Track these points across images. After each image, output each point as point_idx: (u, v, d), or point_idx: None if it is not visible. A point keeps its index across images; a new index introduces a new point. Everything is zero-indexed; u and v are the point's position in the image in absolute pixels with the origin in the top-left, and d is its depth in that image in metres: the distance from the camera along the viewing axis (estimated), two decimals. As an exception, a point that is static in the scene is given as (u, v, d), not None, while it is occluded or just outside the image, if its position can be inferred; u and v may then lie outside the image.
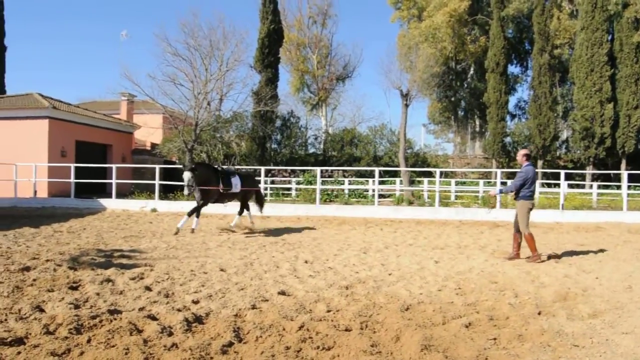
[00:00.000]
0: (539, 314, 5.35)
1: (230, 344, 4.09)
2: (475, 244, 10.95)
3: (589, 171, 31.03)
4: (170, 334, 4.29)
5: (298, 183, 24.71)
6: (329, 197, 21.24)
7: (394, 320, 4.88)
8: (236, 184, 12.26)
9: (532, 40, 35.37)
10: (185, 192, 11.49)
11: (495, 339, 4.50)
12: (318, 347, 4.10)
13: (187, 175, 11.19)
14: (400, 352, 4.08)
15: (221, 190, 11.89)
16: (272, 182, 27.15)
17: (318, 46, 43.26)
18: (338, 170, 30.93)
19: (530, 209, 8.97)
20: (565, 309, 5.53)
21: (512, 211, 16.62)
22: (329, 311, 5.22)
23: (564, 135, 40.05)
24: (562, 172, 18.75)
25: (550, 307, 5.61)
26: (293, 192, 24.43)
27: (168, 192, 21.94)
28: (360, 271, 7.50)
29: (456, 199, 22.56)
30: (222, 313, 4.97)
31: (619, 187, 22.40)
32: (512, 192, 9.20)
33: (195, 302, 5.38)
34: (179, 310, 5.00)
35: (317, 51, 43.09)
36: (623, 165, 32.56)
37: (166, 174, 25.35)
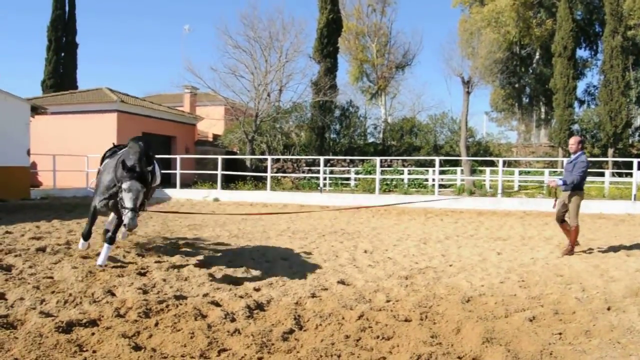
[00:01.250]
0: (608, 309, 5.14)
1: (291, 331, 4.17)
2: (540, 236, 10.62)
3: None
4: (233, 320, 4.42)
5: (357, 173, 24.70)
6: (388, 187, 21.13)
7: (455, 312, 4.83)
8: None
9: (603, 22, 33.60)
10: None
11: (560, 333, 4.37)
12: (377, 337, 4.11)
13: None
14: (461, 344, 4.04)
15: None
16: (331, 172, 27.28)
17: (377, 34, 42.86)
18: (397, 159, 30.67)
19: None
20: (637, 305, 5.28)
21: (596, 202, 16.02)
22: (388, 301, 5.22)
23: (638, 121, 37.93)
24: (635, 161, 17.78)
25: (621, 303, 5.37)
26: (352, 182, 24.46)
27: (230, 182, 22.49)
28: (420, 262, 7.45)
29: (520, 189, 21.91)
30: (282, 301, 5.07)
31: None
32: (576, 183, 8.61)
33: (257, 290, 5.52)
34: (241, 297, 5.14)
35: (376, 40, 42.71)
36: (703, 153, 30.62)
37: (228, 165, 25.99)
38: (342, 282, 5.99)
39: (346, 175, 25.94)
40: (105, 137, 23.08)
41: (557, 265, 7.37)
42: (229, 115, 31.10)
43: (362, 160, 26.69)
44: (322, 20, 31.34)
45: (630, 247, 9.01)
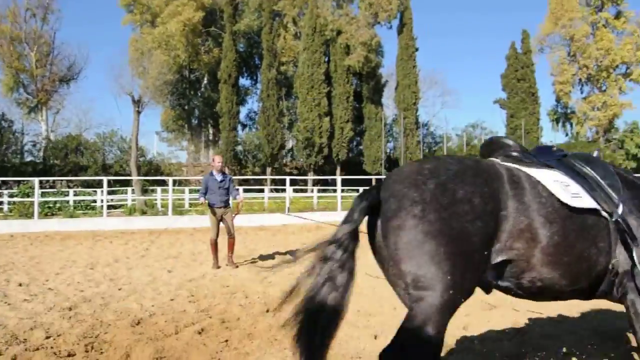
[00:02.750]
0: (267, 311, 5.70)
1: None
2: (208, 250, 11.12)
3: (311, 177, 34.36)
4: None
5: (11, 196, 21.72)
6: (50, 210, 19.16)
7: (124, 337, 4.65)
8: None
9: (262, 56, 37.74)
10: None
11: (227, 340, 4.64)
12: (34, 380, 3.66)
13: None
14: (130, 369, 3.92)
15: None
16: (-23, 196, 23.28)
17: (37, 42, 38.68)
18: (61, 180, 28.17)
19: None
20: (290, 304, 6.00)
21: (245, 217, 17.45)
22: (48, 337, 4.70)
23: (289, 144, 43.56)
24: (288, 179, 20.38)
25: (277, 304, 6.01)
26: (5, 207, 21.38)
27: None
28: (86, 289, 6.95)
29: (190, 207, 22.63)
30: None
31: (334, 191, 25.27)
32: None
33: None
34: None
35: (36, 48, 38.51)
36: (338, 171, 36.92)
37: None
38: (-12, 323, 5.15)
39: (-2, 199, 22.54)
40: None
41: (224, 276, 7.85)
42: None
43: (19, 182, 23.60)
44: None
45: (285, 253, 10.22)
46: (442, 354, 4.14)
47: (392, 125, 45.11)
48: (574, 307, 5.41)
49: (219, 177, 9.06)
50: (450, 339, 4.45)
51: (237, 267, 8.85)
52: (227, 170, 9.20)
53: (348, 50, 37.01)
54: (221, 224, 9.06)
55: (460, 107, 75.73)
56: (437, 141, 50.00)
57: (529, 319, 5.01)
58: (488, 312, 5.29)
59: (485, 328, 4.77)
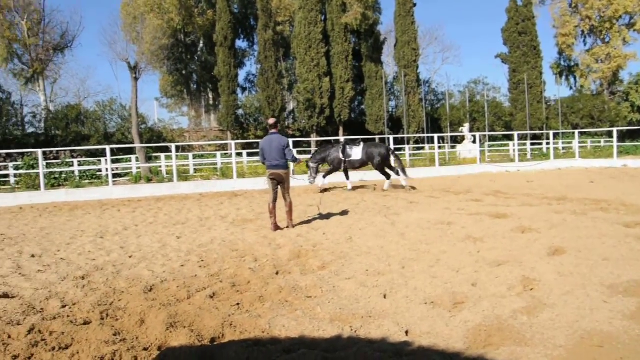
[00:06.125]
0: (277, 273, 5.78)
1: (-61, 367, 3.47)
2: (216, 215, 11.23)
3: (314, 138, 34.26)
4: None
5: (17, 168, 21.79)
6: (56, 182, 19.27)
7: (138, 304, 4.74)
8: None
9: (257, 17, 37.03)
10: None
11: (238, 304, 4.72)
12: (54, 348, 3.75)
13: None
14: (146, 335, 4.00)
15: None
16: (-18, 170, 23.38)
17: (27, 10, 38.05)
18: (65, 150, 28.18)
19: (270, 179, 9.07)
20: (299, 266, 6.09)
21: (249, 180, 17.48)
22: (64, 306, 4.79)
23: (291, 106, 43.26)
24: (291, 141, 20.30)
25: (287, 266, 6.10)
26: (12, 179, 21.48)
27: None
28: (97, 258, 7.04)
29: (195, 172, 22.69)
30: None
31: (337, 151, 25.14)
32: (263, 163, 9.31)
33: None
34: None
35: (26, 16, 37.92)
36: (340, 132, 36.77)
37: None
38: (5, 295, 5.23)
39: (3, 172, 22.61)
40: None
41: (232, 241, 7.92)
42: None
43: (22, 154, 23.65)
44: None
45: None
46: (450, 310, 4.22)
47: (393, 83, 44.67)
48: (585, 263, 5.48)
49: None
50: (459, 296, 4.53)
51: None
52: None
53: (345, 7, 36.32)
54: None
55: (461, 63, 74.93)
56: (439, 98, 49.56)
57: (537, 273, 5.07)
58: (496, 268, 5.35)
59: (493, 284, 4.83)
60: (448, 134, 36.95)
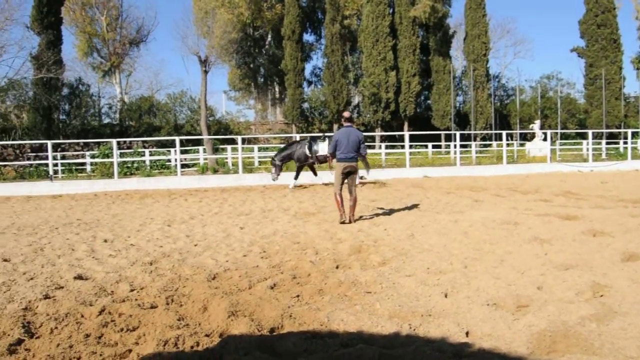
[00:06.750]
0: (337, 267, 5.79)
1: (20, 342, 3.69)
2: (279, 207, 11.38)
3: (378, 133, 34.03)
4: (-60, 342, 3.72)
5: (93, 157, 22.95)
6: (129, 170, 20.14)
7: (201, 291, 4.88)
8: None
9: (325, 10, 37.09)
10: None
11: (298, 296, 4.76)
12: (122, 329, 3.93)
13: None
14: (208, 322, 4.11)
15: None
16: (63, 157, 24.76)
17: (107, 7, 39.98)
18: (137, 141, 29.39)
19: (342, 172, 9.07)
20: (359, 261, 6.07)
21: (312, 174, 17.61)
22: (132, 290, 5.01)
23: (356, 100, 43.13)
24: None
25: (347, 260, 6.10)
26: (88, 167, 22.64)
27: None
28: (164, 245, 7.31)
29: (260, 165, 23.08)
30: (7, 309, 4.46)
31: (403, 147, 24.98)
32: (331, 153, 9.30)
33: (-27, 300, 4.74)
34: (-49, 312, 4.36)
35: (105, 12, 39.82)
36: (405, 127, 36.34)
37: None
38: (79, 277, 5.53)
39: (81, 160, 23.85)
40: None
41: (294, 233, 8.00)
42: None
43: (98, 143, 24.85)
44: (39, -13, 27.91)
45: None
46: (513, 312, 4.08)
47: (462, 78, 43.62)
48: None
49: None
50: (523, 299, 4.37)
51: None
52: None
53: (413, 0, 35.75)
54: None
55: (533, 57, 72.11)
56: (509, 94, 47.93)
57: (609, 279, 4.82)
58: (564, 272, 5.13)
59: (560, 288, 4.63)
60: (517, 131, 35.72)
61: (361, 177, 15.55)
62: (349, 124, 9.19)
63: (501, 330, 3.71)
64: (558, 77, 48.69)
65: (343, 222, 8.80)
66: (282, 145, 18.17)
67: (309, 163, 15.76)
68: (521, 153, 28.39)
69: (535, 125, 32.87)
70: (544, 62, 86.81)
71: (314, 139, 15.84)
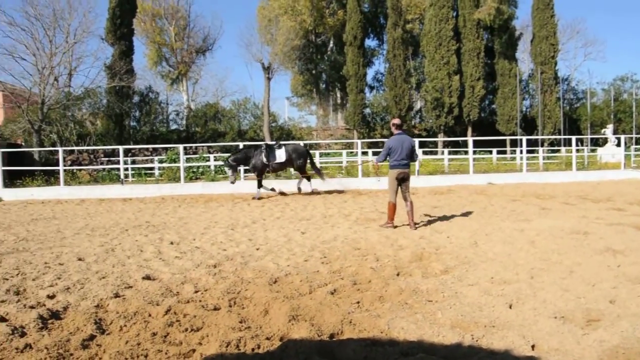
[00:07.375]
0: (398, 274, 5.74)
1: (92, 337, 3.89)
2: (340, 213, 11.40)
3: (441, 139, 33.47)
4: (23, 335, 3.97)
5: (161, 162, 23.82)
6: (194, 175, 20.76)
7: (263, 294, 4.95)
8: None
9: (387, 15, 36.93)
10: None
11: (358, 302, 4.76)
12: (186, 330, 4.06)
13: None
14: (269, 325, 4.17)
15: None
16: (133, 162, 25.87)
17: (175, 17, 41.51)
18: (202, 146, 30.27)
19: (396, 178, 9.11)
20: (421, 268, 5.99)
21: (373, 179, 17.56)
22: (196, 292, 5.17)
23: (418, 105, 42.63)
24: (417, 140, 20.05)
25: (408, 268, 6.03)
26: (156, 172, 23.53)
27: (14, 179, 20.01)
28: (227, 248, 7.48)
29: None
30: (81, 305, 4.70)
31: (466, 153, 24.47)
32: (380, 161, 9.50)
33: (51, 297, 5.02)
34: (32, 307, 4.64)
35: (174, 22, 41.36)
36: (469, 132, 35.55)
37: (11, 159, 23.06)
38: (147, 277, 5.76)
39: (149, 165, 24.82)
40: None
41: (355, 239, 7.99)
42: (9, 103, 27.55)
43: (166, 149, 25.78)
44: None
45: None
46: (583, 327, 3.90)
47: (528, 81, 42.23)
48: None
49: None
50: (594, 312, 4.18)
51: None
52: (394, 131, 9.44)
53: (477, 2, 35.00)
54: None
55: (605, 58, 68.96)
56: (579, 97, 45.93)
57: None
58: (638, 286, 4.86)
59: (635, 303, 4.39)
60: (588, 136, 34.18)
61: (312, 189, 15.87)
62: (399, 131, 9.26)
63: (569, 345, 3.56)
64: (633, 78, 46.24)
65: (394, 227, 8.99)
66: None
67: (266, 171, 15.70)
68: (592, 159, 27.16)
69: (608, 130, 31.33)
70: (617, 64, 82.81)
71: (269, 147, 15.64)
